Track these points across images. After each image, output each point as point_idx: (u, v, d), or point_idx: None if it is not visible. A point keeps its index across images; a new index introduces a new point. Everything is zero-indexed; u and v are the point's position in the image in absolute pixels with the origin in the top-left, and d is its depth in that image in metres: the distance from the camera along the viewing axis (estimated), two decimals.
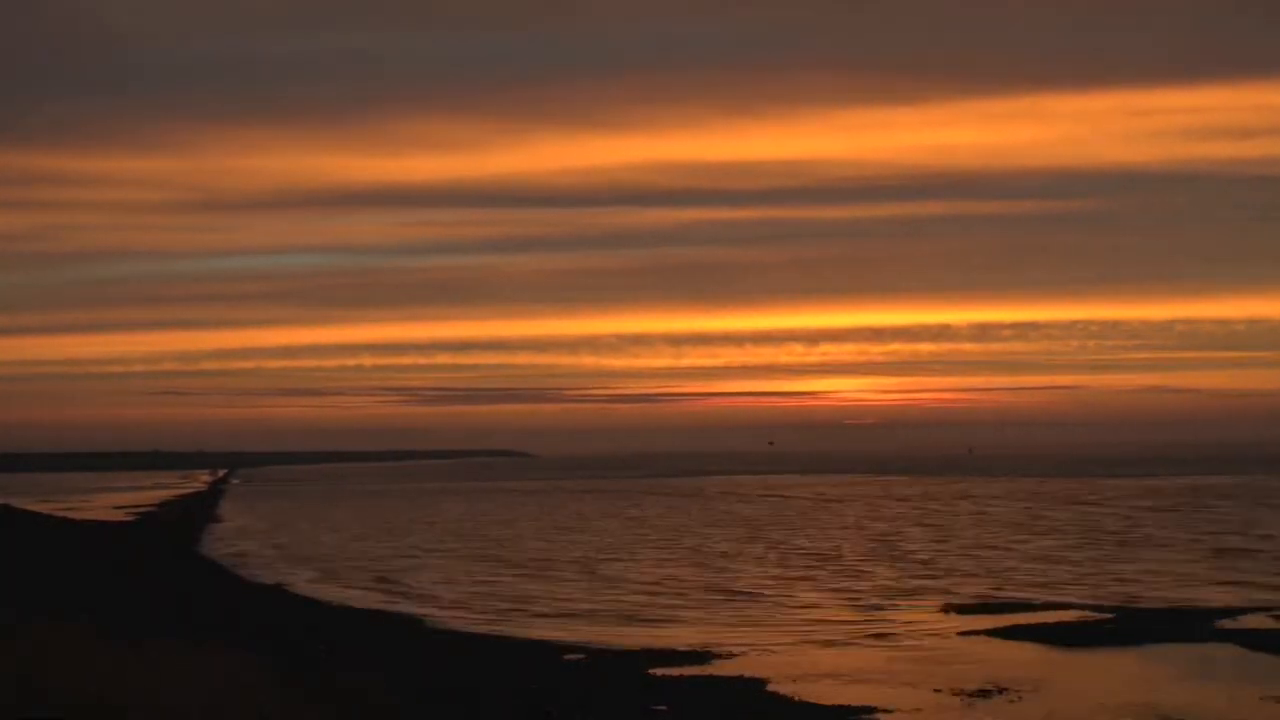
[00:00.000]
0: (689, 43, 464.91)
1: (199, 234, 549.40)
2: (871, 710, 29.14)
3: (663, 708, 28.90)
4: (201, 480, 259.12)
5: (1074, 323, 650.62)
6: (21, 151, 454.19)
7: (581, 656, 37.07)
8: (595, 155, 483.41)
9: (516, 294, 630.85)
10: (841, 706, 29.51)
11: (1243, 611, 44.74)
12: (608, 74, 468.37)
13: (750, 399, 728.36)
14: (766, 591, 53.93)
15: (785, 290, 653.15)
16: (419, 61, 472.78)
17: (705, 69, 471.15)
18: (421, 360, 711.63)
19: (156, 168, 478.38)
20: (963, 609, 46.91)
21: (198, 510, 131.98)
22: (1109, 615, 44.41)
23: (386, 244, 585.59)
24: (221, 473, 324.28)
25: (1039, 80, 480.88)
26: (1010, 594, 51.25)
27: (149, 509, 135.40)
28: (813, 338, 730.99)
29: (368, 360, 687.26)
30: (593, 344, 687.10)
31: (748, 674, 33.59)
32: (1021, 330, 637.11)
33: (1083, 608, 46.65)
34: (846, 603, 49.66)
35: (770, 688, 31.64)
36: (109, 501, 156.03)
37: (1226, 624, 41.83)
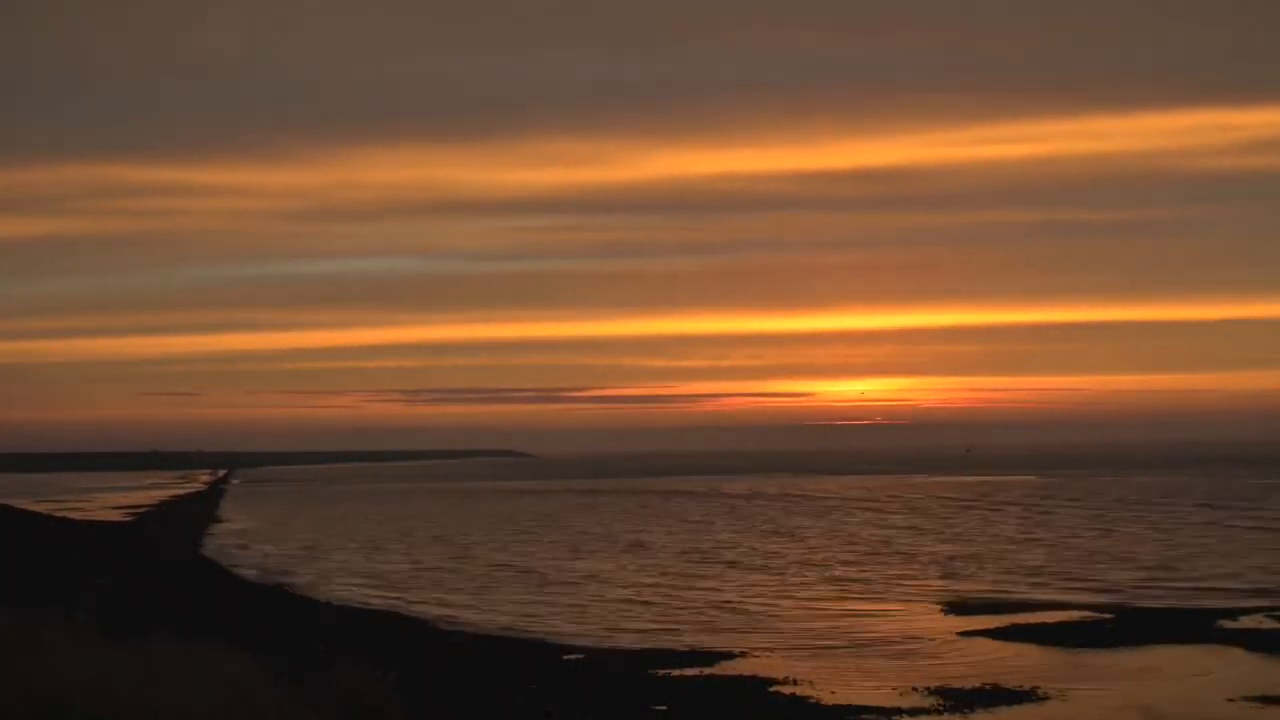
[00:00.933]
0: (805, 65, 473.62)
1: (274, 241, 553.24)
2: (872, 710, 29.10)
3: (663, 708, 28.88)
4: (201, 480, 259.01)
5: (1112, 325, 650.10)
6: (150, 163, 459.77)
7: (581, 656, 37.06)
8: (695, 166, 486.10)
9: (579, 297, 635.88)
10: (841, 707, 29.48)
11: (1243, 612, 44.77)
12: (719, 93, 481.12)
13: (774, 400, 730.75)
14: (763, 594, 53.94)
15: (841, 293, 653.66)
16: (545, 82, 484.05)
17: (815, 88, 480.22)
18: (462, 361, 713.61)
19: (276, 180, 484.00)
20: (963, 609, 46.92)
21: (198, 510, 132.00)
22: (1109, 616, 44.41)
23: (464, 250, 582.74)
24: (221, 473, 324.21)
25: (1136, 99, 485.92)
26: (1011, 593, 51.30)
27: (148, 509, 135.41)
28: (858, 339, 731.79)
29: (410, 362, 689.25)
30: (638, 346, 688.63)
31: (748, 674, 33.59)
32: (1068, 331, 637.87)
33: (1083, 608, 46.66)
34: (845, 602, 49.69)
35: (770, 688, 31.62)
36: (108, 501, 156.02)
37: (1226, 624, 41.85)
